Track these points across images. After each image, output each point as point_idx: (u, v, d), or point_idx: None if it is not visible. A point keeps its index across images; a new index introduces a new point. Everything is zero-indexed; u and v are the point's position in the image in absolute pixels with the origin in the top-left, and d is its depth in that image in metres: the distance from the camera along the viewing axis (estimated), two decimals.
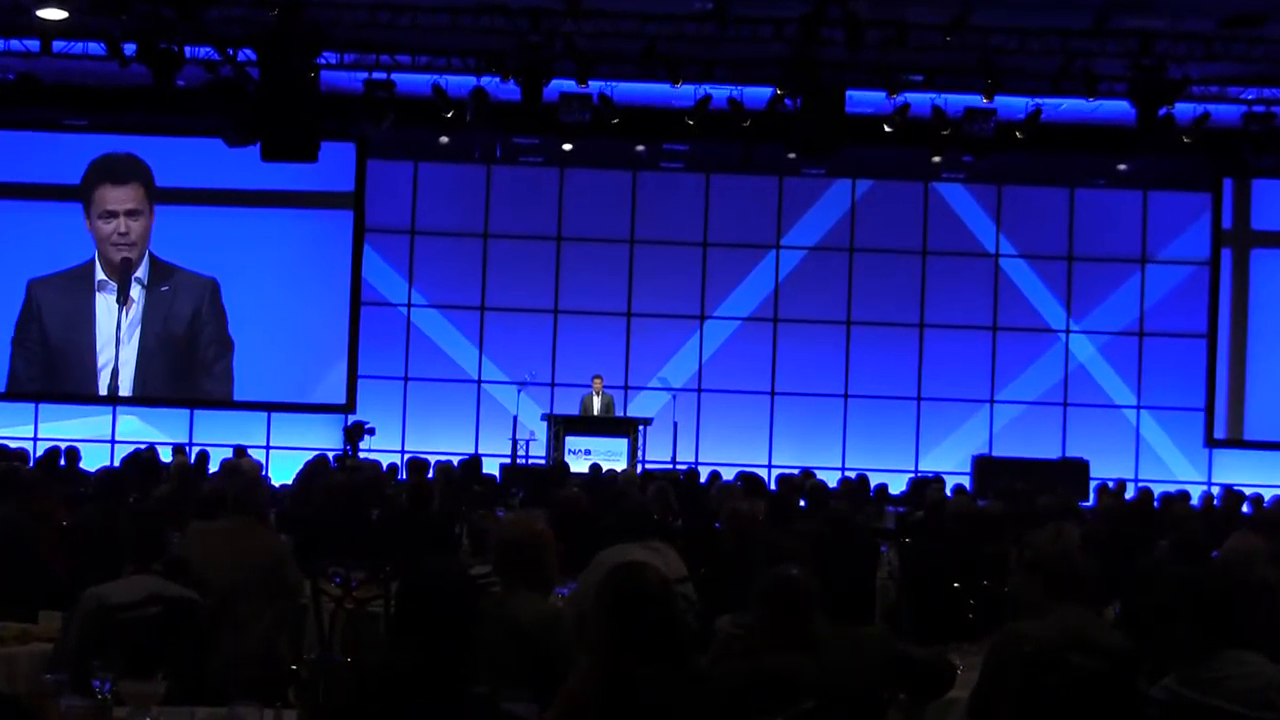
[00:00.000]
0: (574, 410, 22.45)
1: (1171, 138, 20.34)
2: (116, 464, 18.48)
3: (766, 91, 20.42)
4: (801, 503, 13.58)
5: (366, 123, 21.18)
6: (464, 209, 25.01)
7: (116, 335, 23.81)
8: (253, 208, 23.98)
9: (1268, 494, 18.84)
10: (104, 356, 23.87)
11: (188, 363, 24.07)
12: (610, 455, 21.04)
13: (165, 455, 18.48)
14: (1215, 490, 19.73)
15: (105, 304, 23.91)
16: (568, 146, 23.02)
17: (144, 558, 7.07)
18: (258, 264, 24.00)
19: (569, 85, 20.26)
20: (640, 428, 21.87)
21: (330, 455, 18.46)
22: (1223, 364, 24.71)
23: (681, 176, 25.11)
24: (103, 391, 23.90)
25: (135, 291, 23.88)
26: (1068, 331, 25.17)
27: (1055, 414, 25.09)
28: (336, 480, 12.88)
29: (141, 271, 23.89)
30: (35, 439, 22.57)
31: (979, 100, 20.34)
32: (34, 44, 20.29)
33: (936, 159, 23.18)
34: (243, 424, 23.63)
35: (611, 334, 24.97)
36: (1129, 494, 18.17)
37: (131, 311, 23.87)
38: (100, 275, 23.89)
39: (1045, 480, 18.47)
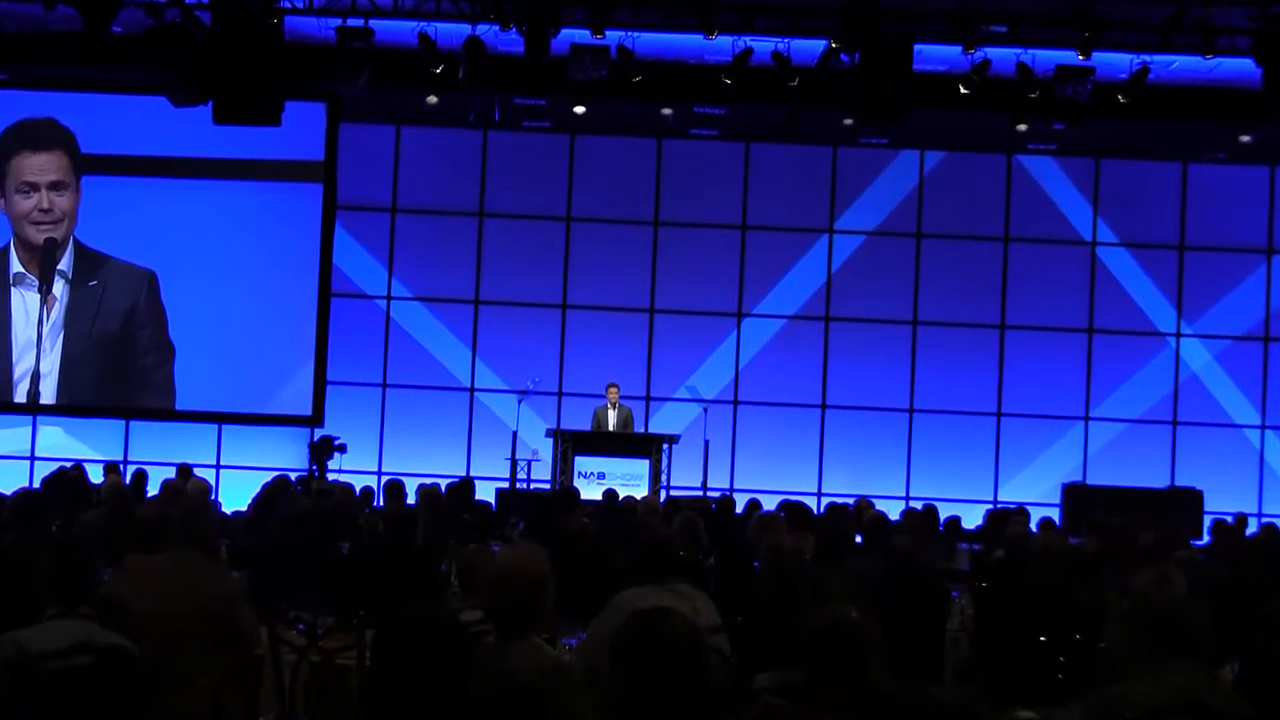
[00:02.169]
0: (585, 425, 22.44)
1: None
2: (37, 485, 18.53)
3: (819, 45, 20.41)
4: (857, 538, 13.57)
5: (339, 79, 21.19)
6: (455, 183, 25.06)
7: (37, 339, 23.70)
8: (201, 180, 23.97)
9: None
10: (22, 365, 23.79)
11: (121, 371, 24.01)
12: (628, 479, 21.03)
13: (95, 475, 18.52)
14: None
15: (23, 302, 23.85)
16: (580, 109, 22.99)
17: (70, 598, 7.08)
18: (206, 250, 23.98)
19: (582, 36, 20.26)
20: (664, 446, 21.84)
21: (293, 476, 18.47)
22: None
23: (716, 146, 25.12)
24: (20, 400, 23.93)
25: (58, 287, 23.82)
26: (1178, 335, 25.13)
27: (1163, 434, 25.05)
28: (300, 507, 12.90)
29: (65, 263, 23.84)
30: None
31: (1073, 57, 20.31)
32: None
33: (1022, 127, 23.11)
34: (188, 438, 23.66)
35: (631, 334, 24.99)
36: (1251, 530, 18.12)
37: (54, 311, 23.81)
38: (16, 267, 23.84)
39: (1150, 513, 18.42)
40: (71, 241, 23.89)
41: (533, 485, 22.35)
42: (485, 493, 20.27)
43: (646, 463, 21.60)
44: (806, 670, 5.79)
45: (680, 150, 25.15)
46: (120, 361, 24.03)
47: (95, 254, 23.93)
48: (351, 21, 20.45)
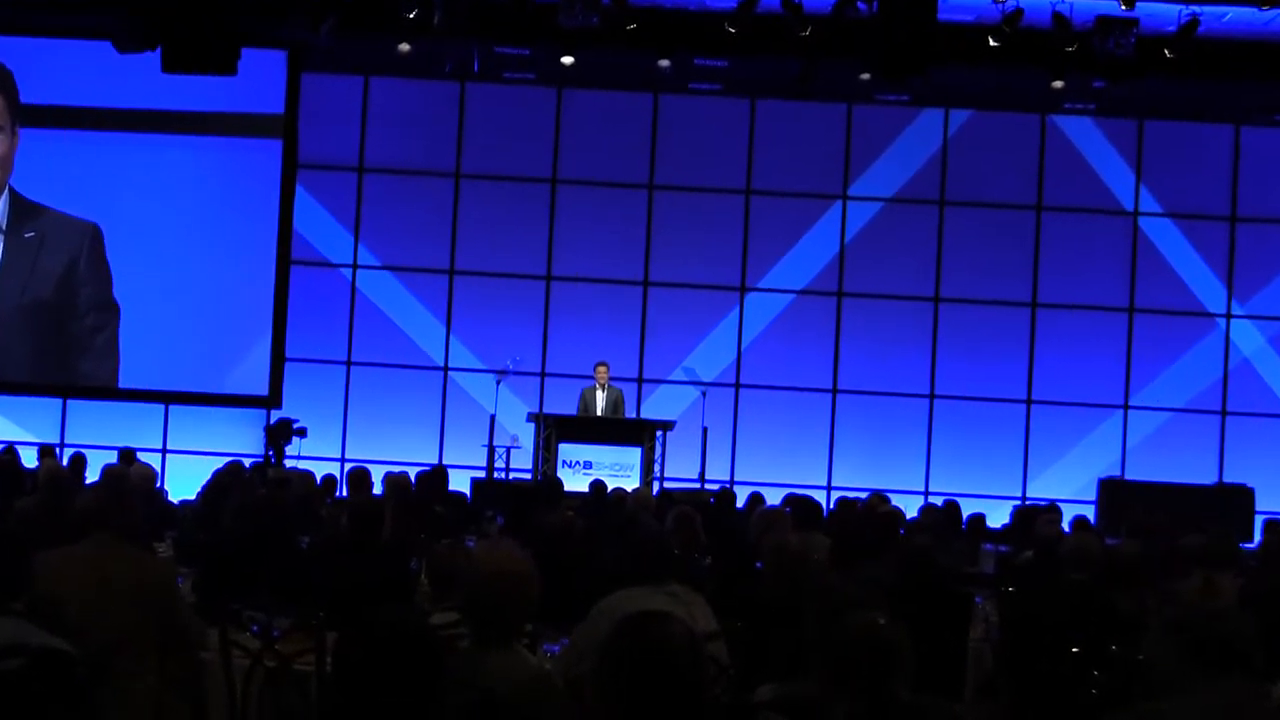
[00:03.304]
0: (571, 409, 22.46)
1: None
2: None
3: None
4: (870, 536, 13.59)
5: (301, 24, 21.16)
6: (429, 140, 25.03)
7: None
8: (149, 134, 23.93)
9: None
10: None
11: (59, 335, 23.95)
12: (618, 470, 21.07)
13: (29, 458, 18.52)
14: None
15: None
16: (568, 60, 22.97)
17: (1, 593, 7.08)
18: (153, 207, 23.94)
19: None
20: (658, 434, 21.87)
21: (247, 463, 18.48)
22: None
23: (718, 102, 25.09)
24: None
25: None
26: (1229, 316, 25.14)
27: (1211, 425, 25.07)
28: (255, 497, 12.89)
29: None
30: None
31: (1115, 6, 20.31)
32: None
33: (1058, 84, 23.13)
34: (131, 419, 23.65)
35: (622, 309, 24.98)
36: None
37: None
38: None
39: (1195, 513, 18.45)
40: (7, 191, 23.78)
41: (512, 475, 22.36)
42: (460, 483, 20.30)
43: (638, 451, 21.62)
44: (821, 681, 5.80)
45: (679, 106, 25.12)
46: (58, 322, 23.95)
47: (33, 204, 23.84)
48: None
